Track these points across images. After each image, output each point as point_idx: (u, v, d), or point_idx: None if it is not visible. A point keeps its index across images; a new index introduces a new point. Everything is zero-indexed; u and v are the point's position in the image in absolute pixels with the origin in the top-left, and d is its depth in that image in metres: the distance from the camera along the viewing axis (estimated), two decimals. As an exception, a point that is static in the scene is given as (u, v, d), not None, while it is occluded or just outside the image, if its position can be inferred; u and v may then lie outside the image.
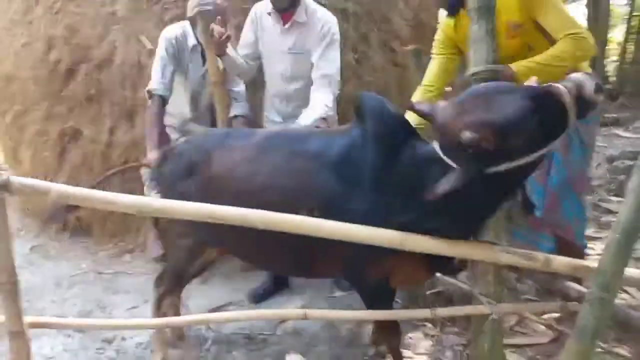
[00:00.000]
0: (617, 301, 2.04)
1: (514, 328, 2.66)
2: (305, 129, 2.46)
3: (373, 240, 1.71)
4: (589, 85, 1.50)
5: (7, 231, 1.71)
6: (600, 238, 3.31)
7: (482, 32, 1.88)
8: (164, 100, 2.94)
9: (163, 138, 2.97)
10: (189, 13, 2.94)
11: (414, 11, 4.06)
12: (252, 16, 2.93)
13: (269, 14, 2.84)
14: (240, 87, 3.22)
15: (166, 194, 2.21)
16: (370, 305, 2.04)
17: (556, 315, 2.58)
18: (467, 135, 1.49)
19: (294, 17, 2.78)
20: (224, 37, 2.66)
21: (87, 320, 2.71)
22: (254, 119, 3.22)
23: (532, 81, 1.62)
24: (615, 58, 9.19)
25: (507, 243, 1.89)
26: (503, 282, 2.02)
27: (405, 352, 2.50)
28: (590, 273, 1.58)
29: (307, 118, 2.57)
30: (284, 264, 2.17)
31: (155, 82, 2.94)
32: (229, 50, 2.78)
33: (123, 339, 2.71)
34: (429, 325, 2.75)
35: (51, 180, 2.50)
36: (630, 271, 1.79)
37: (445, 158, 1.61)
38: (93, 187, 1.82)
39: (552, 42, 2.18)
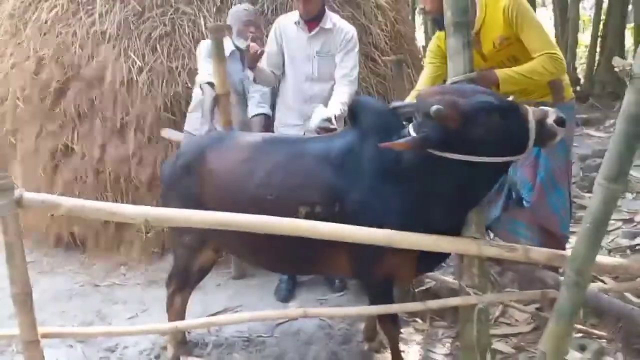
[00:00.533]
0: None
1: (499, 319, 2.83)
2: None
3: (362, 240, 1.86)
4: (553, 116, 1.71)
5: (21, 245, 1.81)
6: (575, 232, 3.50)
7: (459, 45, 2.03)
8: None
9: None
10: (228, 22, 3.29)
11: (392, 23, 4.24)
12: (274, 29, 3.25)
13: (296, 23, 3.15)
14: (265, 89, 3.42)
15: (166, 193, 2.43)
16: (374, 300, 2.20)
17: (537, 305, 2.75)
18: (435, 107, 1.68)
19: (320, 24, 3.12)
20: (258, 52, 2.94)
21: (98, 328, 2.80)
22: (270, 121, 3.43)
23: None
24: (584, 61, 9.58)
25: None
26: (487, 274, 2.18)
27: (399, 346, 2.65)
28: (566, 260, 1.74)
29: (321, 113, 2.76)
30: (290, 262, 2.31)
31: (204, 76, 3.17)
32: (258, 64, 3.07)
33: (125, 347, 2.79)
34: (419, 320, 2.90)
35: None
36: (602, 258, 1.98)
37: (413, 133, 1.80)
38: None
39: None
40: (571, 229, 2.83)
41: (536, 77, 2.37)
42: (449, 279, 2.86)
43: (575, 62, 7.98)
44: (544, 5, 10.63)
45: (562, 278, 2.11)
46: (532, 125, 1.72)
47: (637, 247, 3.19)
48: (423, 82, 2.76)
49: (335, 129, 2.61)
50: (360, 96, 2.25)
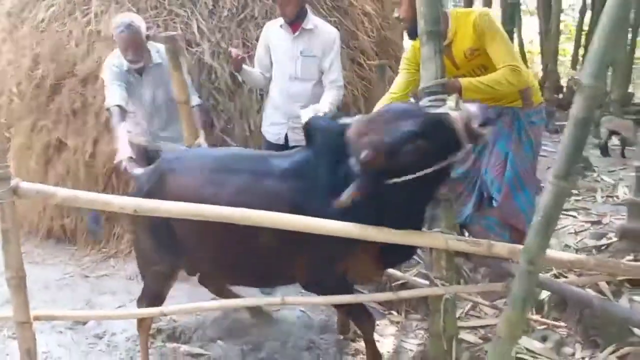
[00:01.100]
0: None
1: (469, 313, 2.99)
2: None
3: (339, 233, 2.00)
4: (477, 118, 1.89)
5: (17, 231, 1.94)
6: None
7: (431, 53, 2.19)
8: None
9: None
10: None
11: (378, 29, 4.40)
12: (263, 33, 3.43)
13: (281, 26, 3.32)
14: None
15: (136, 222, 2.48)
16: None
17: (505, 299, 2.91)
18: (362, 155, 1.85)
19: (302, 25, 3.27)
20: (239, 57, 3.17)
21: (90, 312, 2.92)
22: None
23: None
24: (565, 69, 9.82)
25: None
26: (455, 267, 2.33)
27: (375, 337, 2.78)
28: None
29: (311, 110, 2.93)
30: (251, 277, 2.45)
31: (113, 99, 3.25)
32: (244, 66, 3.28)
33: (113, 334, 2.92)
34: (395, 313, 3.05)
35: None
36: (562, 254, 2.14)
37: (356, 169, 1.94)
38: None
39: None
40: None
41: (497, 87, 2.54)
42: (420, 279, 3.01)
43: (557, 70, 8.19)
44: (532, 15, 10.85)
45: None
46: (461, 131, 1.89)
47: (602, 247, 3.36)
48: (396, 87, 2.91)
49: None
50: (313, 116, 2.39)
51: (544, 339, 2.59)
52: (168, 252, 2.37)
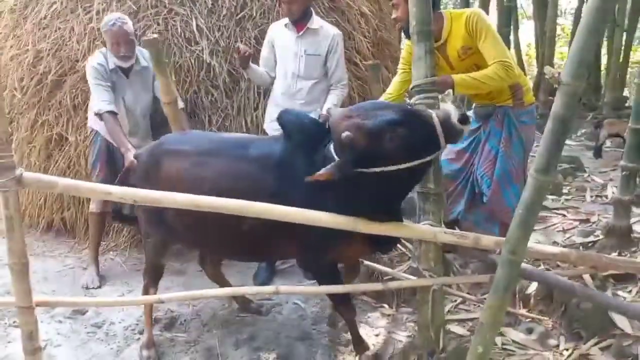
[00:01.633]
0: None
1: (459, 307, 3.07)
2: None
3: (332, 224, 2.08)
4: (455, 115, 1.94)
5: (20, 219, 2.01)
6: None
7: (422, 52, 2.27)
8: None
9: None
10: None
11: (375, 30, 4.48)
12: (268, 33, 3.55)
13: (285, 25, 3.43)
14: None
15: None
16: (322, 283, 2.44)
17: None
18: (344, 134, 1.91)
19: (307, 25, 3.39)
20: (246, 53, 3.26)
21: (91, 298, 2.99)
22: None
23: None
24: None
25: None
26: (443, 260, 2.41)
27: (366, 329, 2.88)
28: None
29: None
30: (243, 251, 2.53)
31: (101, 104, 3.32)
32: (251, 64, 3.37)
33: (112, 323, 2.99)
34: (386, 306, 3.13)
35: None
36: (546, 247, 2.22)
37: (335, 156, 2.01)
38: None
39: None
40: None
41: (488, 82, 2.63)
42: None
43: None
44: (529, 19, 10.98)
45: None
46: (438, 127, 1.95)
47: (589, 244, 3.44)
48: (392, 87, 3.03)
49: None
50: (285, 109, 2.45)
51: (529, 331, 2.67)
52: (157, 226, 2.57)
